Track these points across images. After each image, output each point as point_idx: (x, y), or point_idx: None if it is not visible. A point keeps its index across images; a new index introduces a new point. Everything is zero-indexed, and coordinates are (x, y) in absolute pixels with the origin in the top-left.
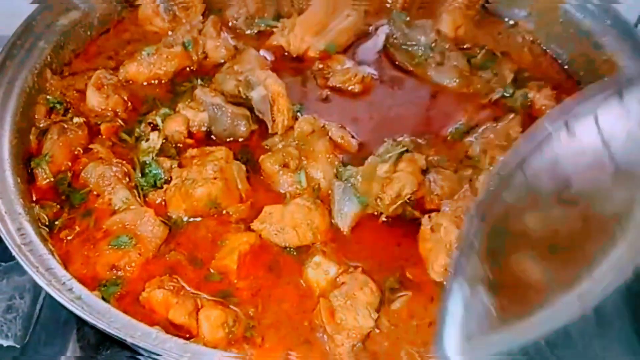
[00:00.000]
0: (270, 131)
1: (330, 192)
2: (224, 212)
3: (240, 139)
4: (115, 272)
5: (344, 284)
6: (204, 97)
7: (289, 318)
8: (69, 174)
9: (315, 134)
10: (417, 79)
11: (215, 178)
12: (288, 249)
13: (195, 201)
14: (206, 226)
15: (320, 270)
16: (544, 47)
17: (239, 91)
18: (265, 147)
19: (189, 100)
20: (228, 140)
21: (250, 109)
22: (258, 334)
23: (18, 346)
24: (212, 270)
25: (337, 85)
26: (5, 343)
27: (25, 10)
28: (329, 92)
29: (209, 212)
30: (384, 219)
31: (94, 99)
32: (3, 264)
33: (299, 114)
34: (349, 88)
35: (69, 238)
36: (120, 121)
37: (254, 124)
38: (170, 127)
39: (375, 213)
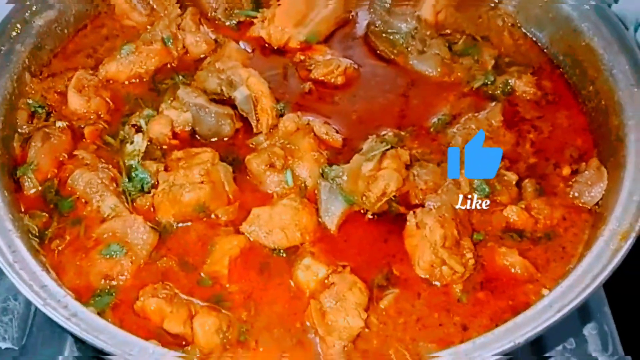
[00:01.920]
0: (255, 130)
1: (316, 190)
2: (213, 215)
3: (225, 138)
4: (108, 281)
5: (334, 285)
6: (187, 97)
7: (281, 320)
8: (56, 182)
9: (300, 132)
10: (399, 68)
11: (202, 182)
12: (277, 250)
13: (184, 206)
14: (195, 230)
15: (309, 272)
16: (524, 30)
17: (222, 90)
18: (251, 145)
19: (171, 99)
20: (213, 139)
21: (234, 107)
22: (252, 338)
23: (16, 348)
24: (203, 275)
25: (320, 78)
26: (3, 345)
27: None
28: (311, 85)
29: (197, 216)
30: (370, 216)
31: (75, 102)
32: None
33: (283, 111)
34: (332, 80)
35: (60, 248)
36: (103, 123)
37: (238, 122)
38: (155, 129)
39: (362, 210)
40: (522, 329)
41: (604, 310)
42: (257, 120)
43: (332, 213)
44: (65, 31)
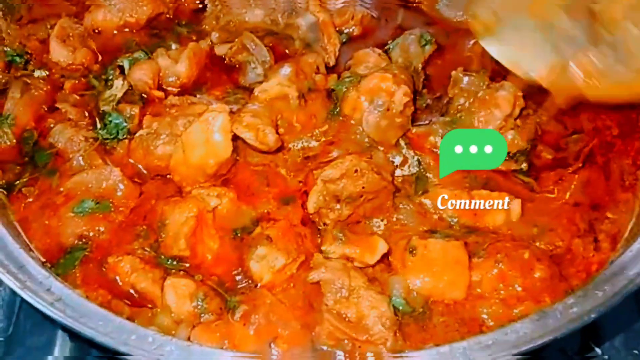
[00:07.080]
0: (325, 61)
1: None
2: None
3: None
4: (83, 241)
5: None
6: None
7: None
8: (35, 134)
9: None
10: (424, 15)
11: None
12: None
13: (157, 159)
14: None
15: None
16: None
17: (277, 18)
18: None
19: (175, 45)
20: None
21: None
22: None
23: (2, 338)
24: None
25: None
26: None
27: None
28: None
29: None
30: None
31: (59, 53)
32: None
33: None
34: (346, 31)
35: (29, 200)
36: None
37: None
38: (135, 74)
39: None
40: None
41: None
42: (325, 50)
43: None
44: None
